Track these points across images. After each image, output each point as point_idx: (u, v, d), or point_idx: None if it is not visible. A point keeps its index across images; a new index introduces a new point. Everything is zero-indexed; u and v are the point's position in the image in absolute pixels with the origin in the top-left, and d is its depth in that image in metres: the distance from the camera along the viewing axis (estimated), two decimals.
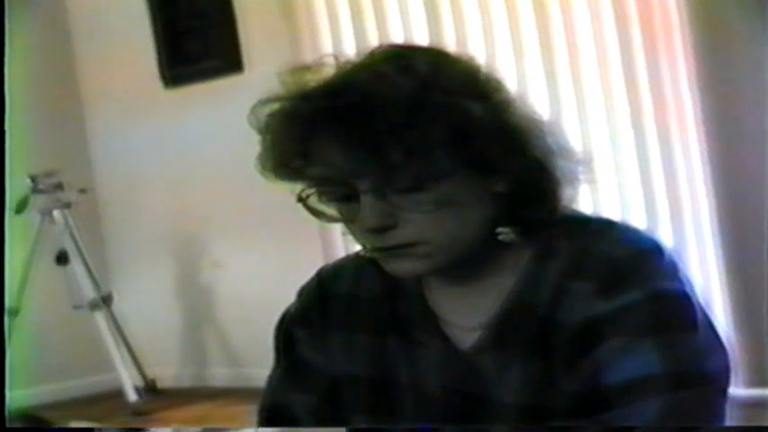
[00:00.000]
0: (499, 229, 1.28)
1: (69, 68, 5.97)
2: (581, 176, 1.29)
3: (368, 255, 1.29)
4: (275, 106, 1.25)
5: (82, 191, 5.44)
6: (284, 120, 1.24)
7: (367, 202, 1.23)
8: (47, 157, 5.54)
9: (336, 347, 1.40)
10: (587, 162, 1.30)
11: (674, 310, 1.24)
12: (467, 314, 1.32)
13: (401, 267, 1.27)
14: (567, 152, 1.28)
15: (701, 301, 1.27)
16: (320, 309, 1.42)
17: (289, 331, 1.44)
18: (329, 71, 1.24)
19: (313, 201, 1.28)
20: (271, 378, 1.47)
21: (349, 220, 1.27)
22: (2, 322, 1.73)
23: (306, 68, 1.26)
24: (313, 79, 1.24)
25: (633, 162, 4.17)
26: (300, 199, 1.27)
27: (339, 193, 1.25)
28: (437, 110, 1.20)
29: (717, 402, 1.24)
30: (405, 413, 1.35)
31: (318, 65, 1.25)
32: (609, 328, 1.22)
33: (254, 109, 1.26)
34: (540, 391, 1.27)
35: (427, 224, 1.23)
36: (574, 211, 1.31)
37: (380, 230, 1.24)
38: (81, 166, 5.85)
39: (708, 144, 3.94)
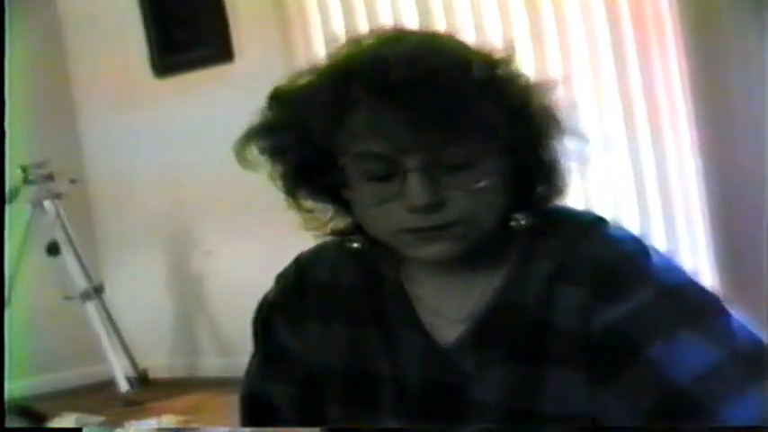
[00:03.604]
0: (514, 215, 1.26)
1: (60, 58, 5.94)
2: (584, 154, 1.28)
3: (399, 235, 1.24)
4: (316, 78, 1.22)
5: (72, 181, 5.43)
6: (341, 91, 1.20)
7: (416, 179, 1.19)
8: (37, 148, 5.52)
9: (313, 337, 1.38)
10: (587, 140, 1.29)
11: (692, 295, 1.23)
12: (451, 306, 1.30)
13: (434, 249, 1.23)
14: (579, 133, 1.27)
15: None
16: (297, 296, 1.39)
17: (267, 318, 1.42)
18: (384, 44, 1.22)
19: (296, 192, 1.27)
20: (250, 366, 1.46)
21: (387, 200, 1.22)
22: (1, 326, 1.71)
23: (357, 41, 1.23)
24: (371, 51, 1.21)
25: (626, 162, 4.13)
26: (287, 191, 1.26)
27: (381, 171, 1.21)
28: (501, 87, 1.20)
29: None
30: (382, 406, 1.33)
31: (368, 38, 1.23)
32: (640, 331, 1.19)
33: (292, 80, 1.24)
34: (525, 392, 1.25)
35: (470, 203, 1.21)
36: (558, 205, 1.30)
37: (428, 209, 1.20)
38: (72, 157, 5.83)
39: (700, 143, 3.90)
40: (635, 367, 1.18)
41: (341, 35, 1.27)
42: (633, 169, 4.13)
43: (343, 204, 1.29)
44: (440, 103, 1.16)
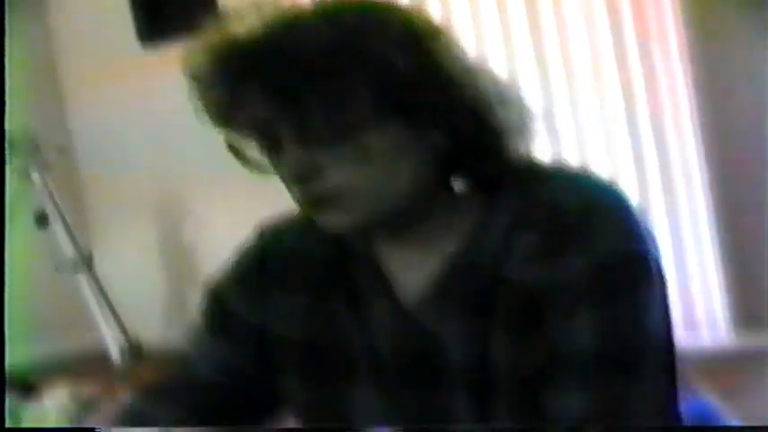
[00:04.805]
0: (453, 180, 1.26)
1: (43, 27, 5.90)
2: (527, 127, 1.24)
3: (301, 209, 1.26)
4: (205, 54, 1.23)
5: (60, 150, 5.40)
6: (212, 68, 1.21)
7: (289, 150, 1.21)
8: (24, 119, 5.48)
9: (276, 309, 1.36)
10: (531, 112, 1.25)
11: (618, 280, 1.18)
12: (415, 272, 1.28)
13: (330, 220, 1.23)
14: (507, 102, 1.23)
15: (659, 265, 1.21)
16: (258, 269, 1.38)
17: (224, 291, 1.42)
18: (258, 19, 1.22)
19: (250, 151, 1.27)
20: (200, 339, 1.45)
21: (277, 171, 1.24)
22: (2, 325, 1.69)
23: (234, 16, 1.23)
24: (241, 28, 1.22)
25: (628, 158, 4.12)
26: (230, 147, 1.25)
27: (267, 142, 1.23)
28: (354, 59, 1.17)
29: (654, 390, 1.18)
30: (355, 376, 1.31)
31: (246, 13, 1.23)
32: (549, 299, 1.18)
33: (184, 59, 1.25)
34: (485, 350, 1.23)
35: (351, 174, 1.20)
36: (532, 162, 1.27)
37: (303, 179, 1.21)
38: (59, 126, 5.79)
39: (702, 137, 3.90)
40: (533, 334, 1.19)
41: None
42: (635, 165, 4.10)
43: None
44: (286, 79, 1.16)
